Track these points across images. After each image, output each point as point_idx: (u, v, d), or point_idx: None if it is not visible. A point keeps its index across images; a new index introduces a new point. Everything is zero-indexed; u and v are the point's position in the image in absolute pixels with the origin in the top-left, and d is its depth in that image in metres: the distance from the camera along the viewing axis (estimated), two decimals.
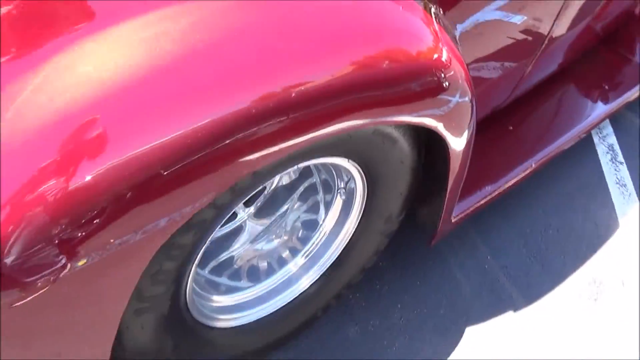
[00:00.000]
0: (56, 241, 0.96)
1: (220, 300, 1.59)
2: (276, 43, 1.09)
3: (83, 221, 0.96)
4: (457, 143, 1.54)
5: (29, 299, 1.01)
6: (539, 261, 2.15)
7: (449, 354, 1.88)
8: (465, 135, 1.55)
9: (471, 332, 1.93)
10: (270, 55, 1.07)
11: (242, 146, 1.07)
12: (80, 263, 1.02)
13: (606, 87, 2.54)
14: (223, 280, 1.61)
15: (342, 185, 1.61)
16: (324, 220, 1.64)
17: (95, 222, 0.99)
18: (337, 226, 1.64)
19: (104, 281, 1.09)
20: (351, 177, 1.55)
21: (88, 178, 0.94)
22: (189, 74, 1.01)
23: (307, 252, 1.67)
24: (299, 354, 1.81)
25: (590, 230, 2.26)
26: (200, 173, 1.05)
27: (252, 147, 1.09)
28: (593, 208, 2.34)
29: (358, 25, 1.19)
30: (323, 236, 1.65)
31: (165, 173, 0.99)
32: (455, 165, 1.60)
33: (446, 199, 1.69)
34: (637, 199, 2.40)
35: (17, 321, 1.04)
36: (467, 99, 1.41)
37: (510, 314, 2.01)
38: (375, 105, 1.26)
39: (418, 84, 1.28)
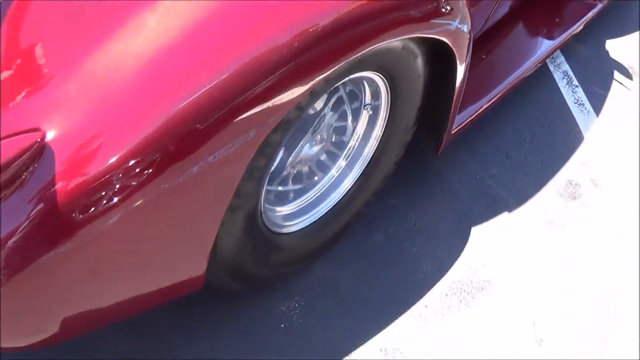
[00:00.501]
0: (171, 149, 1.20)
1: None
2: None
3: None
4: (462, 58, 1.85)
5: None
6: (521, 169, 2.48)
7: (462, 249, 2.19)
8: (466, 51, 1.86)
9: (476, 230, 2.25)
10: None
11: (319, 58, 1.35)
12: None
13: (557, 20, 2.89)
14: (286, 187, 1.87)
15: (368, 102, 1.89)
16: (355, 129, 1.91)
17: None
18: (366, 133, 1.92)
19: (212, 180, 1.35)
20: (378, 91, 1.83)
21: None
22: None
23: (347, 155, 1.95)
24: (336, 260, 2.08)
25: (559, 141, 2.61)
26: (292, 80, 1.32)
27: (326, 59, 1.37)
28: (559, 123, 2.70)
29: None
30: (356, 142, 1.93)
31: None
32: (459, 78, 1.90)
33: (451, 110, 2.00)
34: (594, 115, 2.77)
35: (136, 225, 1.28)
36: (466, 22, 1.74)
37: (505, 214, 2.34)
38: (407, 22, 1.56)
39: (435, 5, 1.60)
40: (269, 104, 1.32)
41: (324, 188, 1.93)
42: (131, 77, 1.20)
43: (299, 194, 1.89)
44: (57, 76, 1.22)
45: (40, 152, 1.14)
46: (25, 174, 1.13)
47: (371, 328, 1.93)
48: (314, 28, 1.33)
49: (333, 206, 1.92)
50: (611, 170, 2.51)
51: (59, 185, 1.15)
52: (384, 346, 1.91)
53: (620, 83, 2.91)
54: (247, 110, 1.29)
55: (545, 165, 2.50)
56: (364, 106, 1.87)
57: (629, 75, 2.97)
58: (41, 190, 1.15)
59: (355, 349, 1.88)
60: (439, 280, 2.07)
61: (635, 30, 3.20)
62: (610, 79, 2.94)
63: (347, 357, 1.86)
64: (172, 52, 1.23)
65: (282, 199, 1.86)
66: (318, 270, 2.03)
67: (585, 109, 2.80)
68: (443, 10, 1.67)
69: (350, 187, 1.94)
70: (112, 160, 1.17)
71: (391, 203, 2.27)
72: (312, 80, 1.38)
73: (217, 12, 1.28)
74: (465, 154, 2.49)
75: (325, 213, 1.91)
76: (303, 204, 1.90)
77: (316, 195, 1.92)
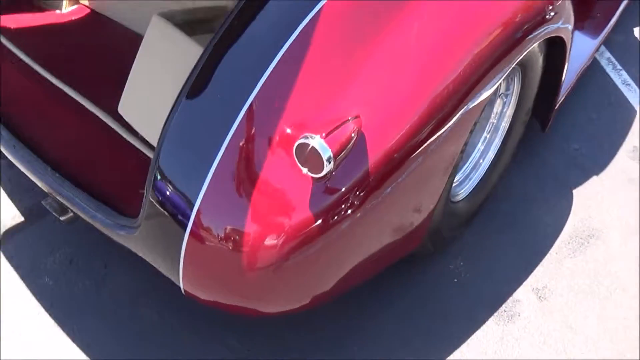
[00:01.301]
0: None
1: None
2: None
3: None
4: (569, 49, 2.35)
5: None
6: (595, 141, 3.00)
7: (570, 208, 2.68)
8: (570, 44, 2.36)
9: (576, 192, 2.75)
10: None
11: (514, 54, 1.84)
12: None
13: (598, 15, 3.42)
14: None
15: (503, 92, 2.38)
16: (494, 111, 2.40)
17: None
18: (502, 113, 2.40)
19: (441, 160, 1.79)
20: (512, 82, 2.33)
21: None
22: None
23: (489, 130, 2.42)
24: (476, 228, 2.55)
25: (618, 116, 3.14)
26: (497, 71, 1.81)
27: (516, 54, 1.86)
28: (614, 102, 3.22)
29: None
30: (495, 120, 2.42)
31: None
32: (566, 66, 2.41)
33: (559, 92, 2.50)
34: None
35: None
36: (571, 21, 2.23)
37: (594, 177, 2.84)
38: (550, 23, 2.06)
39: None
40: (484, 92, 1.79)
41: (475, 158, 2.39)
42: (405, 79, 1.66)
43: (459, 166, 2.36)
44: (347, 79, 1.66)
45: (354, 139, 1.57)
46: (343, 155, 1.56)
47: (520, 272, 2.39)
48: (512, 35, 1.81)
49: (483, 175, 2.39)
50: None
51: (368, 163, 1.59)
52: (535, 287, 2.37)
53: None
54: (473, 98, 1.76)
55: (613, 136, 3.01)
56: (499, 95, 2.35)
57: None
58: (356, 168, 1.59)
59: (513, 289, 2.34)
60: (559, 232, 2.55)
61: None
62: None
63: (509, 298, 2.31)
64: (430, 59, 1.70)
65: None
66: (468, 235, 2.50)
67: (631, 87, 3.33)
68: (562, 14, 2.17)
69: (493, 157, 2.41)
70: (394, 144, 1.62)
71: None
72: (508, 71, 1.85)
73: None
74: (554, 134, 2.98)
75: (478, 181, 2.37)
76: (463, 174, 2.36)
77: (471, 166, 2.38)
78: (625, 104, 3.23)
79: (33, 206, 2.47)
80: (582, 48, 3.08)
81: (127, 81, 1.98)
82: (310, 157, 1.47)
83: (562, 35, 2.22)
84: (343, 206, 1.57)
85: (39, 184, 1.96)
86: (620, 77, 3.37)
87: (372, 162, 1.56)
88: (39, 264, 2.34)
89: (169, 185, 1.60)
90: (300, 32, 1.59)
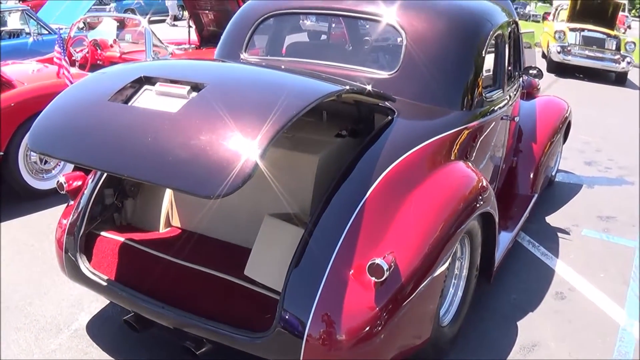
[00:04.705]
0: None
1: None
2: None
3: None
4: (497, 225, 3.79)
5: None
6: (529, 291, 4.33)
7: (517, 331, 3.92)
8: (497, 222, 3.80)
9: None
10: None
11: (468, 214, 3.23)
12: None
13: (515, 210, 4.94)
14: None
15: (459, 255, 3.72)
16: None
17: None
18: (462, 266, 3.74)
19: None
20: (464, 246, 3.69)
21: None
22: None
23: (456, 277, 3.71)
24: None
25: (542, 273, 4.52)
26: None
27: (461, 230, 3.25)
28: (537, 267, 4.62)
29: None
30: (459, 270, 3.72)
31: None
32: (496, 236, 3.82)
33: (495, 257, 3.86)
34: (556, 257, 4.73)
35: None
36: (495, 206, 3.70)
37: (529, 312, 4.13)
38: (482, 206, 3.51)
39: (488, 193, 3.59)
40: (452, 245, 3.11)
41: (450, 298, 3.61)
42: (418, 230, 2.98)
43: (443, 300, 3.59)
44: (385, 234, 2.89)
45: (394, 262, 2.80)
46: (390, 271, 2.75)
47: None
48: (464, 209, 3.20)
49: (456, 309, 3.62)
50: (575, 282, 4.40)
51: (402, 278, 2.83)
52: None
53: (562, 237, 4.95)
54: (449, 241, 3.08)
55: (541, 287, 4.36)
56: (457, 258, 3.68)
57: (566, 232, 5.03)
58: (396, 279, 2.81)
59: None
60: (512, 345, 3.76)
61: (561, 206, 5.36)
62: (556, 237, 4.97)
63: None
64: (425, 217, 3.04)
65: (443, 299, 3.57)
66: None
67: (549, 256, 4.76)
68: (489, 201, 3.60)
69: (461, 296, 3.66)
70: (413, 268, 2.88)
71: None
72: (464, 229, 3.20)
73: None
74: (497, 289, 4.30)
75: (454, 314, 3.59)
76: (445, 308, 3.57)
77: (448, 303, 3.60)
78: (545, 267, 4.63)
79: None
80: (507, 230, 4.52)
81: (251, 254, 3.16)
82: (377, 270, 2.65)
83: (491, 212, 3.61)
84: (391, 301, 2.73)
85: (182, 327, 3.02)
86: (539, 251, 4.83)
87: (402, 275, 2.80)
88: None
89: (291, 312, 2.70)
90: (357, 213, 2.86)
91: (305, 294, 2.68)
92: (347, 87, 2.91)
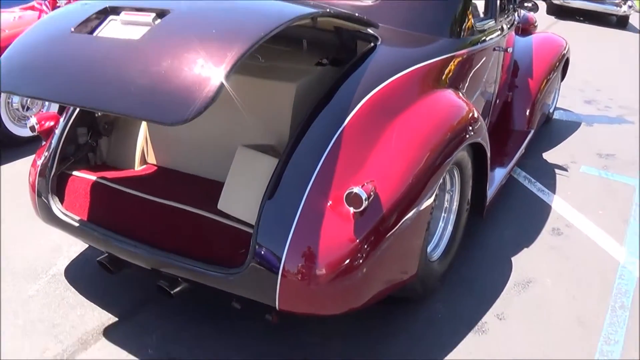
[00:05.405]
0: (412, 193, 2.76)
1: None
2: None
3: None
4: (488, 157, 3.60)
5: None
6: (524, 226, 4.18)
7: (511, 266, 3.78)
8: (488, 153, 3.61)
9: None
10: None
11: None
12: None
13: (511, 145, 4.77)
14: None
15: (449, 188, 3.55)
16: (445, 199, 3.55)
17: None
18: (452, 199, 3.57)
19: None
20: (454, 178, 3.52)
21: None
22: None
23: (445, 210, 3.51)
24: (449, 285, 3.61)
25: (537, 214, 4.36)
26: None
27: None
28: (532, 202, 4.47)
29: None
30: (448, 203, 3.55)
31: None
32: (488, 166, 3.64)
33: (486, 189, 3.69)
34: (553, 194, 4.57)
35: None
36: (486, 138, 3.51)
37: (524, 248, 3.98)
38: (473, 135, 3.32)
39: (480, 124, 3.39)
40: (438, 174, 2.94)
41: (439, 232, 3.47)
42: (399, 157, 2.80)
43: (431, 236, 3.44)
44: (364, 162, 2.71)
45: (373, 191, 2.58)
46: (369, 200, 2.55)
47: (483, 306, 3.39)
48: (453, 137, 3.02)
49: (446, 245, 3.47)
50: (572, 219, 4.26)
51: (383, 207, 2.67)
52: (496, 313, 3.40)
53: (560, 173, 4.77)
54: (434, 176, 2.91)
55: (536, 222, 4.21)
56: (447, 191, 3.52)
57: (563, 168, 4.85)
58: (377, 209, 2.63)
59: (481, 316, 3.35)
60: (506, 281, 3.63)
61: (559, 143, 5.18)
62: (553, 173, 4.80)
63: (479, 321, 3.28)
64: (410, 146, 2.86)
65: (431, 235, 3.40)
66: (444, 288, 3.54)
67: (545, 192, 4.59)
68: (480, 133, 3.42)
69: (452, 231, 3.50)
70: (395, 199, 2.71)
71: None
72: (454, 156, 3.02)
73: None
74: (491, 225, 4.15)
75: (444, 248, 3.46)
76: (434, 243, 3.43)
77: (438, 237, 3.46)
78: (541, 203, 4.47)
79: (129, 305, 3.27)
80: (501, 165, 4.36)
81: (224, 187, 3.02)
82: (355, 199, 2.50)
83: (481, 143, 3.43)
84: (371, 232, 2.58)
85: (155, 266, 2.85)
86: (535, 187, 4.67)
87: (384, 206, 2.64)
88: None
89: (265, 246, 2.55)
90: (334, 141, 2.69)
91: (279, 226, 2.53)
92: (322, 11, 2.70)
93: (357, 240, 2.52)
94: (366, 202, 2.47)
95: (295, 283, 2.51)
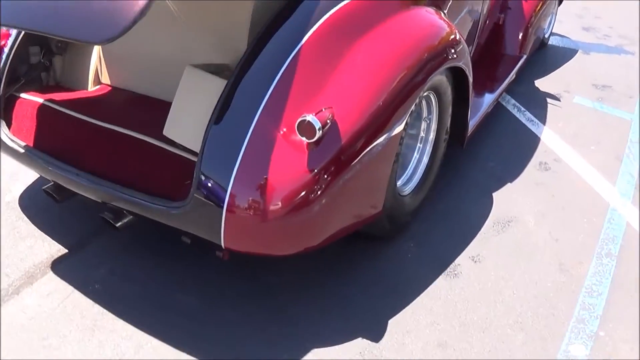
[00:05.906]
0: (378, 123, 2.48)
1: None
2: None
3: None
4: (470, 82, 3.29)
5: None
6: (510, 159, 3.92)
7: (492, 203, 3.54)
8: (470, 78, 3.30)
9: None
10: None
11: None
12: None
13: (500, 70, 4.45)
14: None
15: (426, 115, 3.28)
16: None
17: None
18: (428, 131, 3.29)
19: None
20: (431, 105, 3.23)
21: None
22: None
23: (421, 140, 3.26)
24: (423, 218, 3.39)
25: (525, 144, 4.08)
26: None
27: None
28: (521, 134, 4.19)
29: None
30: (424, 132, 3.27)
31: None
32: (470, 94, 3.34)
33: (468, 118, 3.41)
34: (542, 124, 4.29)
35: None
36: (469, 63, 3.19)
37: (507, 183, 3.73)
38: (451, 58, 3.01)
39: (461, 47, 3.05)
40: (410, 100, 2.67)
41: (414, 165, 3.22)
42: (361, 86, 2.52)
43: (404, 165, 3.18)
44: (321, 87, 2.45)
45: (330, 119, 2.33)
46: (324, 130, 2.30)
47: (458, 247, 3.19)
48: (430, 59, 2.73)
49: (420, 178, 3.23)
50: (562, 153, 4.00)
51: (341, 136, 2.38)
52: (470, 255, 3.18)
53: (552, 103, 4.48)
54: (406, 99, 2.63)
55: (522, 155, 3.95)
56: (423, 119, 3.25)
57: (556, 98, 4.55)
58: (334, 139, 2.36)
59: (454, 258, 3.11)
60: (485, 219, 3.40)
61: (553, 70, 4.86)
62: (544, 103, 4.51)
63: (452, 263, 3.07)
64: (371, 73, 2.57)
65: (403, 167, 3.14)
66: (415, 225, 3.32)
67: (534, 122, 4.31)
68: (462, 56, 3.12)
69: (427, 163, 3.24)
70: (357, 128, 2.44)
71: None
72: (430, 78, 2.73)
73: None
74: (473, 156, 3.90)
75: (417, 182, 3.22)
76: (406, 176, 3.20)
77: (411, 171, 3.22)
78: (529, 134, 4.20)
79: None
80: (489, 91, 4.06)
81: (170, 112, 2.80)
82: (307, 128, 2.26)
83: (462, 68, 3.14)
84: (329, 164, 2.34)
85: (97, 197, 2.68)
86: (524, 116, 4.38)
87: (343, 135, 2.39)
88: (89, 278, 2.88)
89: (209, 177, 2.33)
90: (289, 62, 2.43)
91: (225, 155, 2.30)
92: None
93: (312, 173, 2.29)
94: (320, 132, 2.22)
95: (242, 219, 2.29)
